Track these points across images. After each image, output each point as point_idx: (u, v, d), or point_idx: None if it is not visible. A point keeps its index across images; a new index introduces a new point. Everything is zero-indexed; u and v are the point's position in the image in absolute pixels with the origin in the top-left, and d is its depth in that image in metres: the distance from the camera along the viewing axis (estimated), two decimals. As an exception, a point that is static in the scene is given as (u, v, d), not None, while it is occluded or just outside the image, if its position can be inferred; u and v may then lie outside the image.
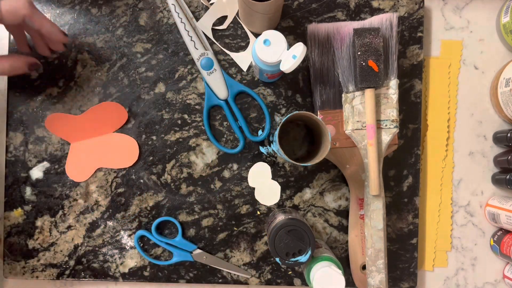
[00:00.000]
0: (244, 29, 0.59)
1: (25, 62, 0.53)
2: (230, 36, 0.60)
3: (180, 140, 0.60)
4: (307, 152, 0.60)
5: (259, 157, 0.60)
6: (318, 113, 0.57)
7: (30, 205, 0.60)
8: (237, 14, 0.59)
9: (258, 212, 0.60)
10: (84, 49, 0.60)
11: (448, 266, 0.61)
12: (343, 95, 0.56)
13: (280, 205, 0.60)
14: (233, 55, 0.59)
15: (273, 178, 0.59)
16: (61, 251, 0.60)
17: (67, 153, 0.60)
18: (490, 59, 0.61)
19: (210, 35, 0.59)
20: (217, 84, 0.58)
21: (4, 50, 0.61)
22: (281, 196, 0.59)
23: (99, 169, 0.60)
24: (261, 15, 0.52)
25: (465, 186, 0.61)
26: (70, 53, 0.60)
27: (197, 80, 0.60)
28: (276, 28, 0.59)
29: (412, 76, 0.59)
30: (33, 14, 0.48)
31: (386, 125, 0.55)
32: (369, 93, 0.54)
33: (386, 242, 0.56)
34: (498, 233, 0.60)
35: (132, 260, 0.60)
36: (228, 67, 0.60)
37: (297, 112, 0.49)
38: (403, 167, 0.60)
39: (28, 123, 0.60)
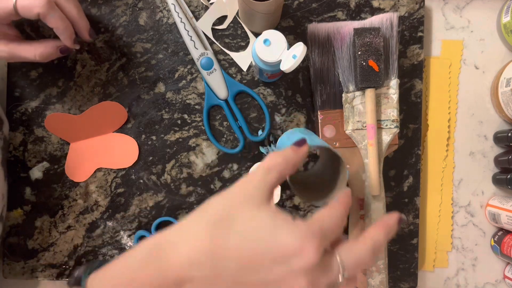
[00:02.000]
0: (244, 29, 0.59)
1: (55, 47, 0.52)
2: (230, 36, 0.59)
3: (180, 140, 0.60)
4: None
5: (259, 157, 0.59)
6: (318, 113, 0.57)
7: (29, 205, 0.60)
8: (237, 14, 0.59)
9: (258, 212, 0.59)
10: (84, 49, 0.60)
11: (449, 267, 0.61)
12: (343, 95, 0.56)
13: (280, 205, 0.60)
14: (233, 55, 0.59)
15: (273, 178, 0.59)
16: (61, 251, 0.60)
17: (66, 153, 0.60)
18: (490, 59, 0.61)
19: (210, 35, 0.59)
20: (217, 84, 0.58)
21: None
22: (281, 196, 0.59)
23: (99, 169, 0.60)
24: (261, 15, 0.52)
25: (466, 186, 0.61)
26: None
27: (197, 80, 0.59)
28: (276, 28, 0.59)
29: (413, 76, 0.59)
30: (47, 15, 0.47)
31: (386, 125, 0.55)
32: (369, 93, 0.53)
33: (386, 242, 0.56)
34: (498, 233, 0.59)
35: (132, 260, 0.60)
36: (228, 67, 0.59)
37: (315, 145, 0.43)
38: (404, 167, 0.59)
39: (28, 123, 0.60)
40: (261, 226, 0.31)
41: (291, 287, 0.31)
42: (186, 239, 0.32)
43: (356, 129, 0.55)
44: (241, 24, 0.59)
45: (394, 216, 0.37)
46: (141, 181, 0.60)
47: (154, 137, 0.60)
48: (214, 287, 0.31)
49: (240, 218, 0.32)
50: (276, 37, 0.49)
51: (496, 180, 0.60)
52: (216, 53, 0.59)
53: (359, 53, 0.53)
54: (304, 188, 0.47)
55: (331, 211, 0.34)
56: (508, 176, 0.56)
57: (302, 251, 0.30)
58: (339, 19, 0.59)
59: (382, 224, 0.36)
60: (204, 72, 0.58)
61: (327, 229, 0.32)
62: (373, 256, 0.34)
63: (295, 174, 0.45)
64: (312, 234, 0.31)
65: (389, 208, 0.59)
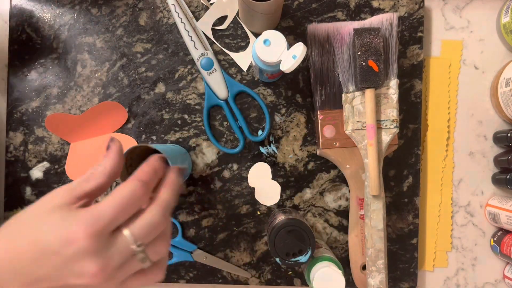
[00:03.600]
0: (244, 29, 0.59)
1: None
2: (230, 36, 0.60)
3: (180, 140, 0.60)
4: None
5: (259, 157, 0.60)
6: (318, 113, 0.57)
7: (30, 205, 0.60)
8: (237, 14, 0.59)
9: (258, 212, 0.60)
10: (84, 49, 0.60)
11: (448, 266, 0.61)
12: (343, 95, 0.56)
13: (280, 205, 0.60)
14: (233, 55, 0.59)
15: (273, 178, 0.59)
16: (61, 251, 0.60)
17: (67, 153, 0.60)
18: (490, 59, 0.61)
19: (210, 35, 0.59)
20: (217, 84, 0.58)
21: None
22: (281, 196, 0.59)
23: (99, 169, 0.60)
24: (261, 15, 0.52)
25: (465, 186, 0.61)
26: (70, 53, 0.60)
27: (197, 80, 0.60)
28: (276, 28, 0.59)
29: (412, 76, 0.59)
30: None
31: (386, 125, 0.55)
32: (369, 93, 0.54)
33: (386, 242, 0.56)
34: (498, 233, 0.60)
35: (132, 260, 0.60)
36: (228, 67, 0.59)
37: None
38: (403, 167, 0.59)
39: (28, 123, 0.60)
40: (46, 227, 0.33)
41: (80, 274, 0.32)
42: None
43: (356, 129, 0.55)
44: (241, 24, 0.59)
45: (172, 171, 0.38)
46: (141, 181, 0.60)
47: (154, 137, 0.60)
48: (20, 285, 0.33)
49: (32, 225, 0.33)
50: (276, 37, 0.49)
51: (496, 180, 0.60)
52: (216, 53, 0.59)
53: (359, 53, 0.53)
54: None
55: (109, 198, 0.34)
56: (508, 176, 0.56)
57: (69, 239, 0.32)
58: (339, 20, 0.59)
59: (165, 183, 0.37)
60: (204, 72, 0.58)
61: (102, 214, 0.33)
62: (163, 215, 0.35)
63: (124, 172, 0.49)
64: (79, 221, 0.32)
65: (389, 208, 0.59)
